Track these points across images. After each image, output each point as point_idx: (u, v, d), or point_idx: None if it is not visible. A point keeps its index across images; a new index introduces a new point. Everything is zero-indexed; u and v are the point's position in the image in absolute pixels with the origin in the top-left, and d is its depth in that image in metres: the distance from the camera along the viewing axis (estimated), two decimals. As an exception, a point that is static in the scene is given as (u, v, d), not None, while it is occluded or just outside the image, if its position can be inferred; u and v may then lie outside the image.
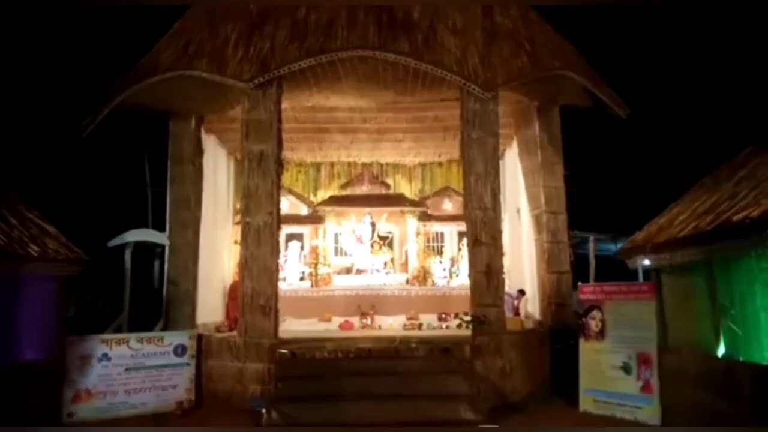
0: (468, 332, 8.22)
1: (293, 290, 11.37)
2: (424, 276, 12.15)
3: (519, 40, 8.60)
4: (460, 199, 10.80)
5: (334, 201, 12.78)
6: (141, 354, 7.85)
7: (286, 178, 12.26)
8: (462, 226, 10.21)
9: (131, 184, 16.22)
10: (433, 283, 11.96)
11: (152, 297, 9.84)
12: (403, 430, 6.56)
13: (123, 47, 11.11)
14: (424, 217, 12.74)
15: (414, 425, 6.61)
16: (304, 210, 12.98)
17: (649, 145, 16.42)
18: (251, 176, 8.31)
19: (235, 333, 8.53)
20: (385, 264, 12.21)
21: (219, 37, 8.48)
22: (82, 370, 7.51)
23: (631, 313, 7.37)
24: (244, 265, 8.22)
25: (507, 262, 10.13)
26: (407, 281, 12.07)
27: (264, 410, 6.92)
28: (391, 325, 10.63)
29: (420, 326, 10.45)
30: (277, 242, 8.32)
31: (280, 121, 8.44)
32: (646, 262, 7.95)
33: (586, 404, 7.47)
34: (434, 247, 12.83)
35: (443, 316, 10.76)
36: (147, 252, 10.09)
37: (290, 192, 12.77)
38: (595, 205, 13.01)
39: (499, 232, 8.30)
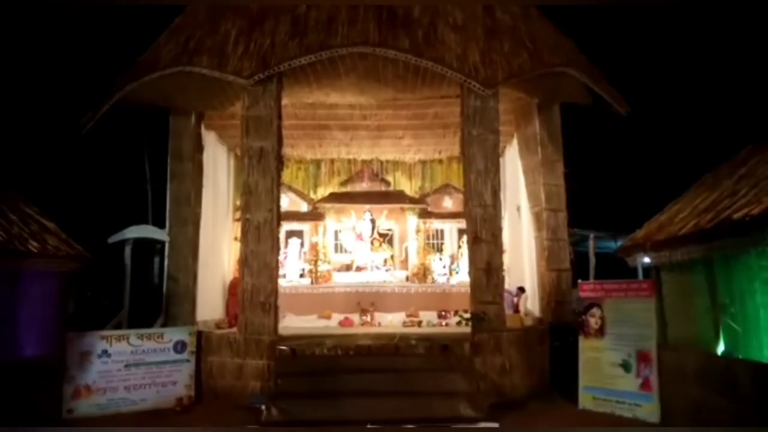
0: (468, 329, 8.22)
1: (293, 287, 11.38)
2: (424, 273, 12.17)
3: (520, 37, 8.58)
4: (460, 196, 10.80)
5: (334, 198, 12.78)
6: (141, 350, 7.86)
7: (286, 175, 12.26)
8: (462, 224, 10.22)
9: (131, 181, 16.21)
10: (433, 281, 11.98)
11: (152, 293, 9.85)
12: (402, 427, 6.55)
13: (123, 43, 11.11)
14: (424, 215, 12.76)
15: (413, 422, 6.60)
16: (304, 207, 12.98)
17: (650, 142, 16.41)
18: (251, 173, 8.30)
19: (235, 330, 8.54)
20: (385, 261, 12.22)
21: (219, 33, 8.46)
22: (82, 367, 7.52)
23: (630, 311, 7.37)
24: (244, 261, 8.22)
25: (507, 259, 10.14)
26: (407, 278, 12.09)
27: (263, 407, 6.94)
28: (391, 322, 10.64)
29: (420, 323, 10.46)
30: (277, 239, 8.31)
31: (280, 117, 8.42)
32: (646, 259, 7.95)
33: (585, 402, 7.48)
34: (434, 244, 12.84)
35: (443, 313, 10.77)
36: (147, 248, 10.10)
37: (290, 189, 12.77)
38: (595, 202, 13.00)
39: (499, 229, 8.29)
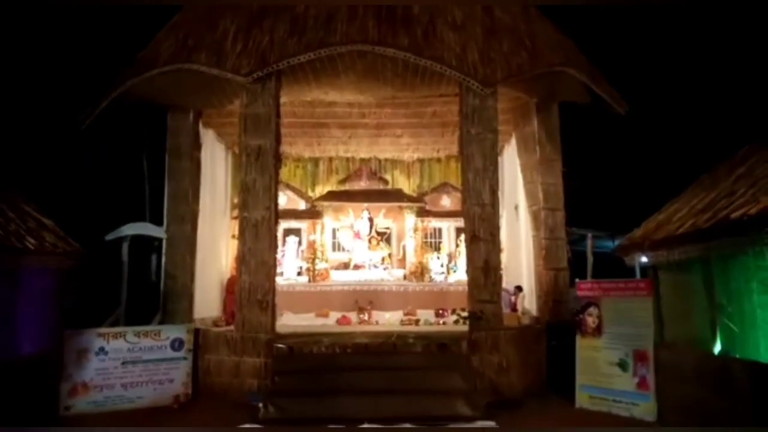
0: (465, 328, 8.23)
1: (290, 285, 11.39)
2: (421, 272, 12.18)
3: (519, 36, 8.58)
4: (458, 195, 10.78)
5: (332, 196, 12.79)
6: (138, 348, 7.86)
7: (284, 173, 12.23)
8: (460, 222, 10.24)
9: (129, 178, 16.16)
10: (431, 279, 11.99)
11: (149, 291, 9.83)
12: (399, 426, 6.55)
13: (122, 40, 11.07)
14: (422, 213, 12.77)
15: (410, 420, 6.61)
16: (302, 205, 12.98)
17: (648, 142, 16.41)
18: (249, 171, 8.29)
19: (232, 327, 8.52)
20: (383, 259, 12.23)
21: (218, 30, 8.45)
22: (80, 364, 7.52)
23: (628, 310, 7.39)
24: (241, 259, 8.21)
25: (504, 258, 10.13)
26: (405, 277, 12.10)
27: (261, 404, 6.95)
28: (389, 320, 10.65)
29: (417, 322, 10.47)
30: (275, 237, 8.32)
31: (278, 115, 8.42)
32: (644, 259, 7.96)
33: (582, 401, 7.49)
34: (432, 242, 12.86)
35: (440, 311, 10.77)
36: (144, 246, 10.07)
37: (288, 187, 12.77)
38: (593, 201, 13.01)
39: (497, 228, 8.30)
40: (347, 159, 13.39)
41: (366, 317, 10.65)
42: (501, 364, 7.83)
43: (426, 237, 12.83)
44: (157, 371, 7.87)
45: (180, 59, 8.29)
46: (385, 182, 13.29)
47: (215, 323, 9.79)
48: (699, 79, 15.82)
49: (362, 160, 13.30)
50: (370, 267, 11.99)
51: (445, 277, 11.96)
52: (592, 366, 7.53)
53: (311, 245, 12.39)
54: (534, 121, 9.52)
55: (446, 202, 13.00)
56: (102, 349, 7.67)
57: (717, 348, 6.41)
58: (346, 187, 13.08)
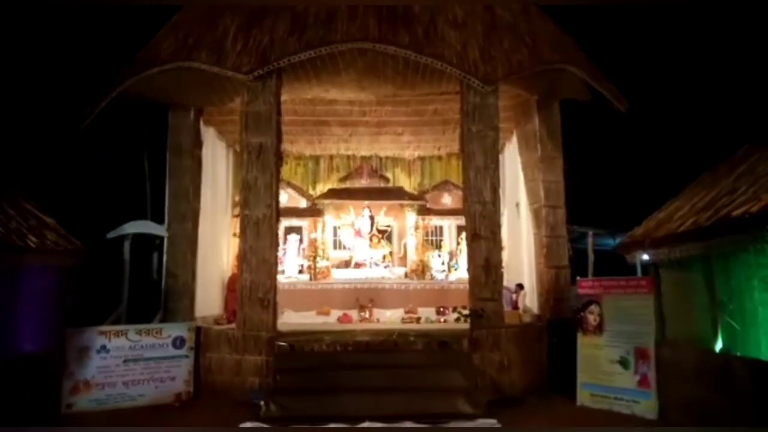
0: (466, 326, 8.23)
1: (292, 283, 11.39)
2: (422, 270, 12.18)
3: (519, 34, 8.57)
4: (459, 193, 10.79)
5: (333, 194, 12.78)
6: (140, 346, 7.87)
7: (285, 171, 12.24)
8: (461, 220, 10.22)
9: (130, 176, 16.17)
10: (432, 277, 11.99)
11: (151, 289, 9.83)
12: (400, 424, 6.56)
13: (123, 38, 11.06)
14: (423, 211, 12.76)
15: (411, 418, 6.62)
16: (303, 203, 12.98)
17: (649, 140, 16.39)
18: (250, 169, 8.30)
19: (233, 325, 8.54)
20: (384, 257, 12.23)
21: (218, 29, 8.44)
22: (81, 362, 7.53)
23: (629, 308, 7.38)
24: (242, 257, 8.22)
25: (505, 256, 10.13)
26: (406, 275, 12.10)
27: (262, 402, 6.96)
28: (390, 318, 10.65)
29: (418, 320, 10.49)
30: (276, 235, 8.32)
31: (279, 113, 8.42)
32: (645, 257, 7.96)
33: (583, 398, 7.50)
34: (433, 240, 12.85)
35: (441, 309, 10.79)
36: (146, 244, 10.07)
37: (289, 185, 12.77)
38: (594, 199, 12.99)
39: (498, 226, 8.30)
40: (348, 157, 13.38)
41: (367, 315, 10.66)
42: (502, 362, 7.84)
43: (427, 235, 12.82)
44: (159, 369, 7.89)
45: (180, 57, 8.29)
46: (386, 180, 13.28)
47: (216, 321, 9.80)
48: (700, 78, 15.80)
49: (363, 158, 13.29)
50: (371, 265, 12.00)
51: (446, 275, 11.96)
52: (593, 364, 7.53)
53: (312, 243, 12.40)
54: (535, 118, 9.51)
55: (447, 200, 12.99)
56: (103, 347, 7.68)
57: (718, 346, 6.41)
58: (347, 185, 13.07)
